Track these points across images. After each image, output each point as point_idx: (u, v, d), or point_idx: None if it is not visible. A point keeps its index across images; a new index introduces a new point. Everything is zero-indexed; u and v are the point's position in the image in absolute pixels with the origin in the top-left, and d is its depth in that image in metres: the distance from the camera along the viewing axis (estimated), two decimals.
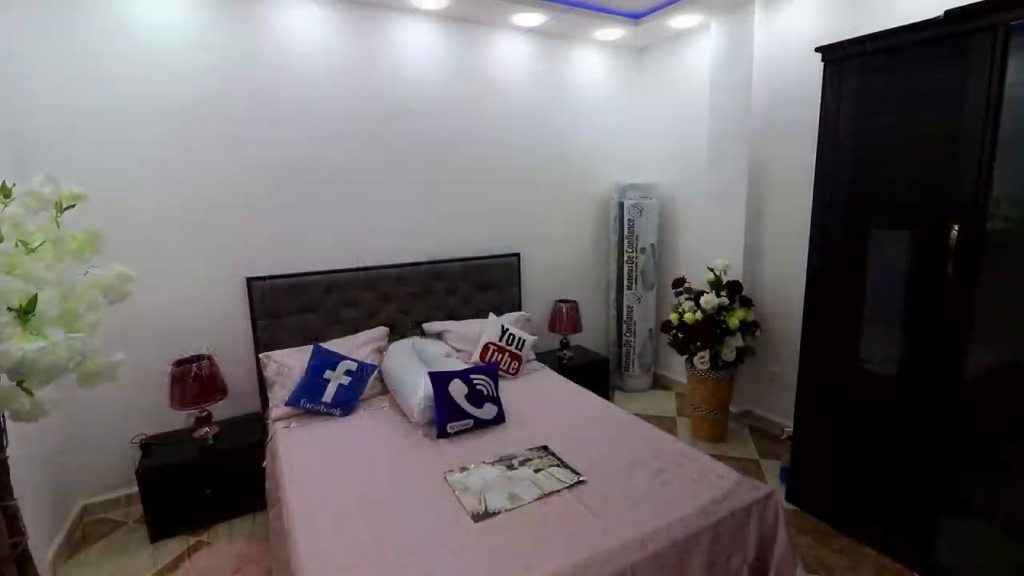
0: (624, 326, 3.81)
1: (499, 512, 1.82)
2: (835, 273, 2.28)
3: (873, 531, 2.25)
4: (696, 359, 2.97)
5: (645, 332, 3.81)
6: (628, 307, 3.77)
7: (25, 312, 1.12)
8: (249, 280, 2.75)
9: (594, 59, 3.75)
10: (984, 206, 1.84)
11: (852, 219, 2.21)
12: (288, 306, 2.83)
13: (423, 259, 3.25)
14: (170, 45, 2.50)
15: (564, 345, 3.61)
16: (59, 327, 1.15)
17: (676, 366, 3.94)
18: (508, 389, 2.83)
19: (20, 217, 1.26)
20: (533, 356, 3.38)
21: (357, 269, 3.01)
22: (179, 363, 2.49)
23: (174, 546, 2.36)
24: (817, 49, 2.23)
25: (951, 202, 1.91)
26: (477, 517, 1.80)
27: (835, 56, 2.18)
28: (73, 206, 1.36)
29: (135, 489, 2.57)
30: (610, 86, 3.85)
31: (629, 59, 3.91)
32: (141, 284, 2.52)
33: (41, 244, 1.30)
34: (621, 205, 3.67)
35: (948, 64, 1.90)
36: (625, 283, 3.75)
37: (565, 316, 3.53)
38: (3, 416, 1.34)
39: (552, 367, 3.28)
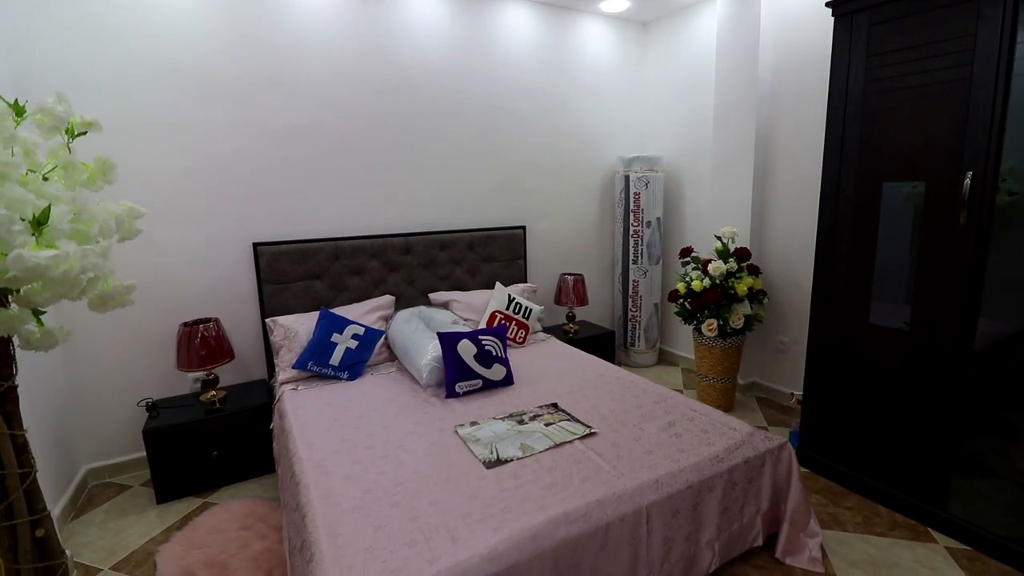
0: (629, 301, 3.80)
1: (511, 460, 1.81)
2: (846, 229, 2.27)
3: (885, 490, 2.24)
4: (704, 326, 2.96)
5: (651, 307, 3.79)
6: (634, 281, 3.76)
7: (38, 223, 1.11)
8: (255, 245, 2.74)
9: (599, 32, 3.74)
10: (998, 155, 1.83)
11: (863, 173, 2.19)
12: (294, 272, 2.82)
13: (429, 229, 3.24)
14: (178, 10, 2.48)
15: (570, 318, 3.59)
16: (72, 241, 1.14)
17: (682, 341, 3.93)
18: (515, 357, 2.82)
19: (32, 146, 1.24)
20: (540, 327, 3.37)
21: (363, 237, 2.99)
22: (186, 324, 2.47)
23: (181, 507, 2.34)
24: (827, 4, 2.23)
25: (963, 152, 1.91)
26: (489, 464, 1.78)
27: (846, 9, 2.17)
28: (85, 133, 1.35)
29: (140, 454, 2.58)
30: (615, 59, 3.84)
31: (634, 32, 3.90)
32: (147, 248, 2.54)
33: (52, 169, 1.28)
34: (627, 178, 3.66)
35: (960, 13, 1.89)
36: (631, 257, 3.74)
37: (571, 288, 3.52)
38: (12, 344, 1.32)
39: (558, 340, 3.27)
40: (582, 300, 3.55)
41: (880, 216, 2.17)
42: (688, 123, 3.67)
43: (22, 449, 1.34)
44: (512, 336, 3.05)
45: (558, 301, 3.60)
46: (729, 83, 3.17)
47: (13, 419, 1.32)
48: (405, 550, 1.38)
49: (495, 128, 3.41)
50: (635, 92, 3.95)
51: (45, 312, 1.32)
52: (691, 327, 3.18)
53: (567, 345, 3.12)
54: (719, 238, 3.05)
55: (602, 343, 3.52)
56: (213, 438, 2.43)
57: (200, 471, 2.43)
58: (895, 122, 2.10)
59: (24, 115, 1.23)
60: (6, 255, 1.05)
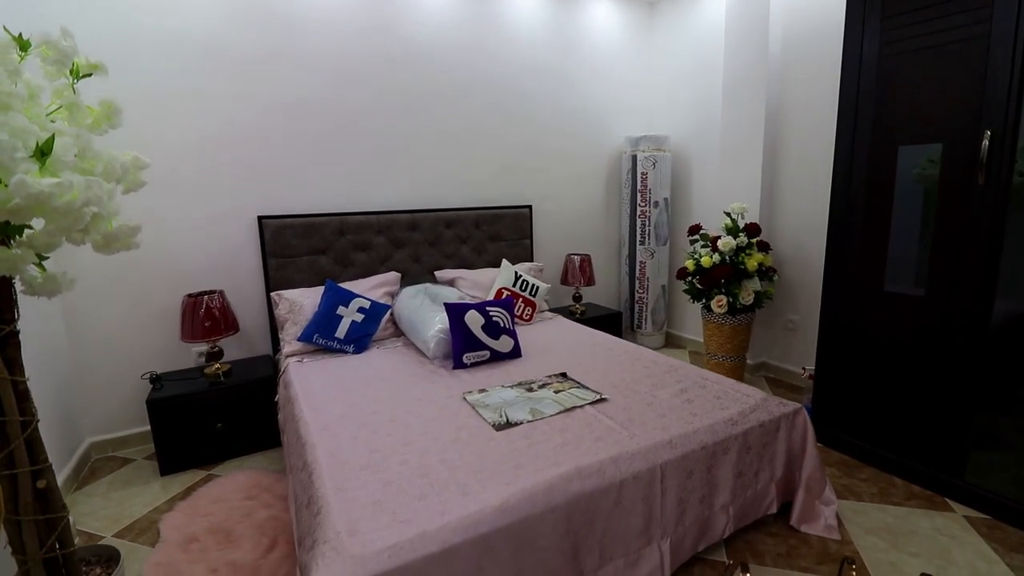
0: (636, 282, 3.76)
1: (521, 423, 1.77)
2: (860, 194, 2.23)
3: (900, 462, 2.20)
4: (713, 303, 2.92)
5: (658, 288, 3.76)
6: (640, 263, 3.73)
7: (42, 153, 1.08)
8: (260, 219, 2.71)
9: (606, 10, 3.70)
10: (1017, 113, 1.79)
11: (878, 138, 2.16)
12: (300, 247, 2.79)
13: (435, 206, 3.21)
14: None
15: (576, 299, 3.56)
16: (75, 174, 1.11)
17: (689, 324, 3.89)
18: (522, 334, 2.78)
19: (36, 89, 1.21)
20: (546, 306, 3.34)
21: (369, 213, 2.96)
22: (190, 295, 2.45)
23: (185, 479, 2.31)
24: None
25: (981, 111, 1.87)
26: (499, 427, 1.75)
27: None
28: (90, 75, 1.32)
29: (144, 428, 2.55)
30: (622, 37, 3.80)
31: (641, 9, 3.86)
32: (151, 220, 2.51)
33: (57, 110, 1.26)
34: (634, 158, 3.62)
35: None
36: (638, 238, 3.71)
37: (578, 267, 3.48)
38: (14, 289, 1.30)
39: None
40: (589, 280, 3.52)
41: (896, 181, 2.13)
42: (696, 102, 3.64)
43: (23, 397, 1.32)
44: (519, 313, 3.02)
45: (564, 281, 3.57)
46: (738, 59, 3.13)
47: (15, 365, 1.30)
48: (415, 503, 1.35)
49: (501, 106, 3.38)
50: (642, 71, 3.91)
51: (48, 257, 1.30)
52: (699, 306, 3.14)
53: (574, 323, 3.09)
54: (728, 214, 3.01)
55: (609, 324, 3.48)
56: (217, 410, 2.40)
57: (204, 443, 2.40)
58: (911, 84, 2.06)
59: (28, 49, 1.21)
60: (8, 186, 1.03)
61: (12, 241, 1.23)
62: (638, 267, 3.74)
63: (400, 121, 3.06)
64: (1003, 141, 1.81)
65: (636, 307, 3.79)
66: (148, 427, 2.48)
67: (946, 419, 2.04)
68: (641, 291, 3.75)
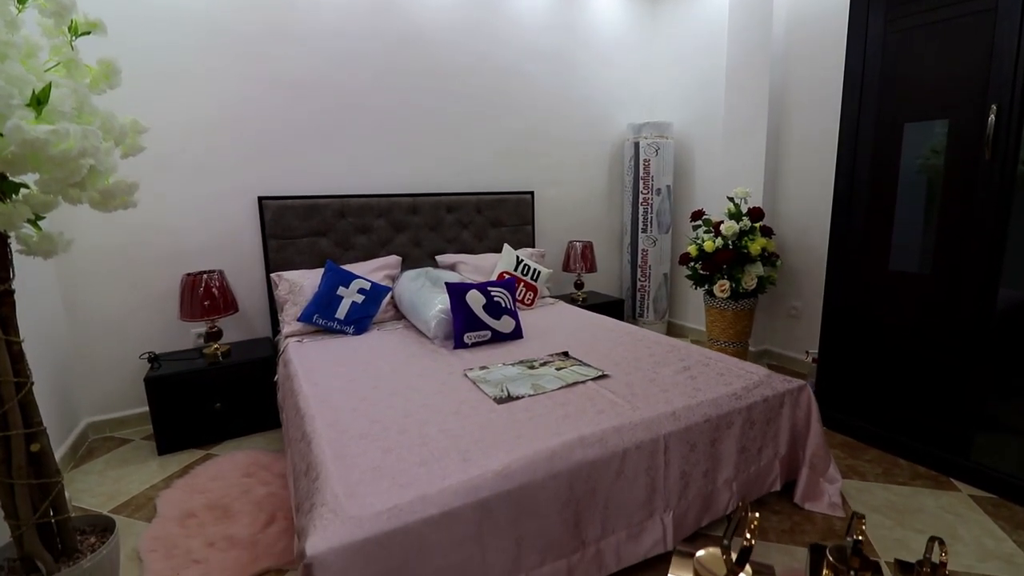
0: (638, 271, 3.74)
1: (522, 397, 1.75)
2: (865, 173, 2.21)
3: (905, 442, 2.17)
4: (716, 287, 2.90)
5: (660, 276, 3.74)
6: (643, 250, 3.71)
7: (38, 102, 1.06)
8: (261, 199, 2.69)
9: None
10: None
11: (883, 115, 2.14)
12: (300, 228, 2.77)
13: (436, 190, 3.19)
14: None
15: (578, 286, 3.54)
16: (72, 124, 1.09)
17: (691, 312, 3.87)
18: (524, 318, 2.76)
19: (34, 47, 1.20)
20: (548, 292, 3.32)
21: (370, 196, 2.95)
22: (190, 274, 2.43)
23: (183, 458, 2.29)
24: None
25: (988, 86, 1.85)
26: (500, 400, 1.73)
27: None
28: (89, 32, 1.31)
29: (142, 409, 2.53)
30: (625, 23, 3.78)
31: None
32: (150, 199, 2.50)
33: (56, 66, 1.24)
34: (636, 145, 3.61)
35: None
36: (640, 226, 3.69)
37: (580, 254, 3.46)
38: (10, 248, 1.28)
39: None
40: (591, 266, 3.50)
41: (902, 158, 2.11)
42: (699, 89, 3.62)
43: (18, 358, 1.30)
44: (520, 298, 3.00)
45: (566, 268, 3.55)
46: (741, 41, 3.12)
47: (9, 325, 1.28)
48: (415, 468, 1.33)
49: (503, 91, 3.36)
50: (645, 57, 3.89)
51: (44, 217, 1.28)
52: (702, 293, 3.12)
53: (576, 308, 3.07)
54: (731, 199, 2.99)
55: (611, 311, 3.44)
56: (216, 389, 2.38)
57: (202, 423, 2.38)
58: (916, 60, 2.04)
59: (26, 1, 1.19)
60: (3, 133, 1.01)
61: (8, 200, 1.21)
62: (640, 255, 3.72)
63: (401, 104, 3.04)
64: (1010, 115, 1.80)
65: (638, 295, 3.77)
66: (146, 408, 2.46)
67: (951, 399, 2.02)
68: (643, 279, 3.73)
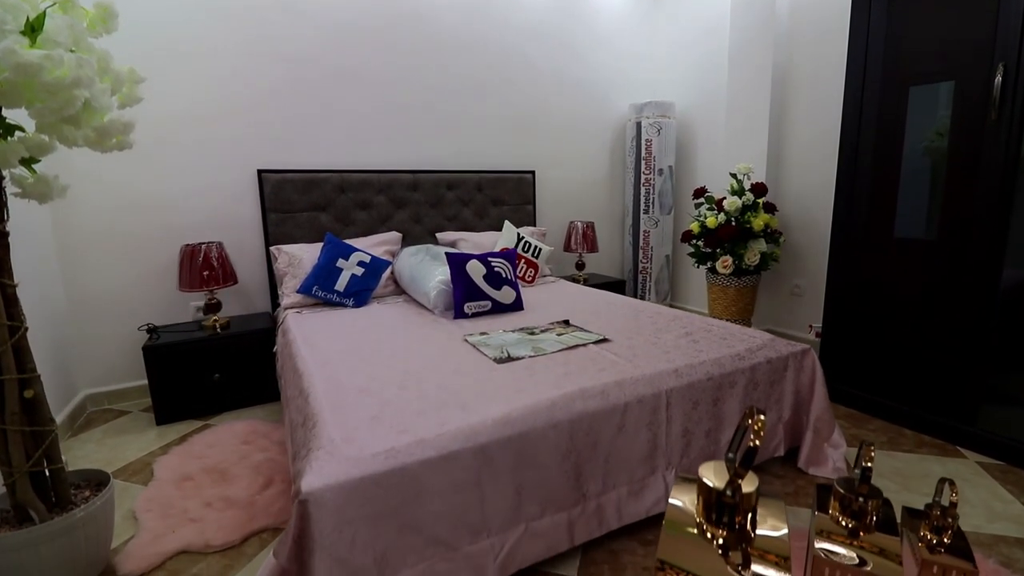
0: (640, 252, 3.72)
1: (523, 358, 1.73)
2: (871, 138, 2.19)
3: (911, 412, 2.15)
4: (719, 263, 2.88)
5: (662, 258, 3.71)
6: (644, 232, 3.68)
7: (32, 29, 1.05)
8: (260, 172, 2.68)
9: None
10: None
11: (888, 79, 2.12)
12: (300, 202, 2.76)
13: (437, 167, 3.17)
14: None
15: (579, 267, 3.52)
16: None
17: (693, 295, 3.84)
18: (525, 294, 2.73)
19: None
20: (548, 271, 3.30)
21: (370, 171, 2.93)
22: (189, 245, 2.41)
23: (181, 428, 2.28)
24: None
25: (995, 45, 1.83)
26: (500, 360, 1.71)
27: None
28: None
29: (141, 382, 2.52)
30: (629, 5, 3.75)
31: None
32: (149, 171, 2.49)
33: (52, 4, 1.23)
34: (638, 125, 3.58)
35: None
36: (641, 207, 3.66)
37: (581, 233, 3.44)
38: (4, 190, 1.27)
39: None
40: (592, 246, 3.48)
41: (907, 123, 2.09)
42: (702, 69, 3.60)
43: (12, 301, 1.29)
44: (521, 274, 2.98)
45: (567, 247, 3.53)
46: (746, 20, 3.09)
47: (3, 267, 1.26)
48: (413, 417, 1.31)
49: (504, 69, 3.35)
50: (647, 37, 3.87)
51: (39, 161, 1.27)
52: (704, 272, 3.10)
53: (578, 285, 3.05)
54: (734, 175, 2.97)
55: (612, 291, 3.43)
56: (215, 360, 2.36)
57: (201, 395, 2.36)
58: (922, 21, 2.02)
59: None
60: None
61: (2, 139, 1.20)
62: (641, 236, 3.70)
63: (402, 80, 3.03)
64: (1017, 74, 1.77)
65: (639, 277, 3.75)
66: (145, 381, 2.45)
67: (958, 368, 1.99)
68: (645, 261, 3.71)
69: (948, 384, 2.03)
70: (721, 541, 0.72)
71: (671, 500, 0.81)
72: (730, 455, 0.75)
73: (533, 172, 3.48)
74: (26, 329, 1.31)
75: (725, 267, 2.86)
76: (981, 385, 1.95)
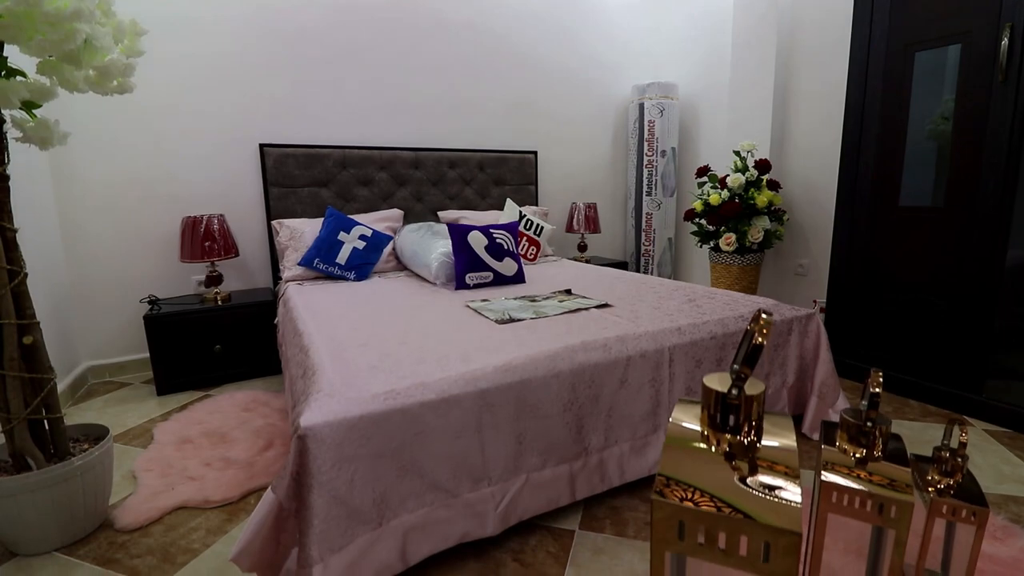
0: (643, 235, 3.70)
1: (524, 319, 1.72)
2: (876, 107, 2.17)
3: (916, 384, 2.13)
4: (722, 240, 2.86)
5: (664, 241, 3.69)
6: (647, 214, 3.67)
7: None
8: (262, 146, 2.68)
9: None
10: None
11: (893, 45, 2.10)
12: (301, 177, 2.75)
13: (439, 146, 3.16)
14: None
15: (581, 248, 3.50)
16: None
17: (696, 277, 3.82)
18: (527, 271, 2.72)
19: None
20: (551, 251, 3.29)
21: (372, 148, 2.92)
22: (191, 217, 2.41)
23: (182, 398, 2.27)
24: None
25: (1001, 5, 1.81)
26: (502, 322, 1.70)
27: None
28: None
29: (142, 355, 2.52)
30: None
31: None
32: (150, 143, 2.48)
33: None
34: (641, 106, 3.57)
35: None
36: (644, 189, 3.65)
37: (583, 214, 3.43)
38: (5, 134, 1.26)
39: None
40: (595, 227, 3.47)
41: (912, 91, 2.07)
42: (705, 51, 3.58)
43: (12, 246, 1.28)
44: (523, 252, 2.97)
45: (569, 228, 3.52)
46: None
47: (3, 211, 1.26)
48: (413, 366, 1.29)
49: (507, 48, 3.34)
50: (651, 19, 3.85)
51: (40, 106, 1.26)
52: (707, 250, 3.08)
53: (580, 264, 3.03)
54: (737, 153, 2.95)
55: None
56: (216, 331, 2.36)
57: (202, 365, 2.36)
58: None
59: None
60: None
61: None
62: (644, 219, 3.68)
63: (404, 57, 3.02)
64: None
65: (642, 260, 3.73)
66: (146, 354, 2.46)
67: (964, 338, 1.97)
68: (647, 243, 3.69)
69: (953, 355, 2.01)
70: (727, 449, 0.71)
71: (672, 419, 0.80)
72: (735, 366, 0.73)
73: (535, 153, 3.47)
74: (26, 275, 1.30)
75: (728, 244, 2.84)
76: (988, 354, 1.93)
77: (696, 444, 0.74)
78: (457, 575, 1.20)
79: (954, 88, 1.96)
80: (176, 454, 1.75)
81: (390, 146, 3.00)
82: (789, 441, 0.74)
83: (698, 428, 0.76)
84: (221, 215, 2.48)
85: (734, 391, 0.69)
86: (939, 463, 1.14)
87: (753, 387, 0.71)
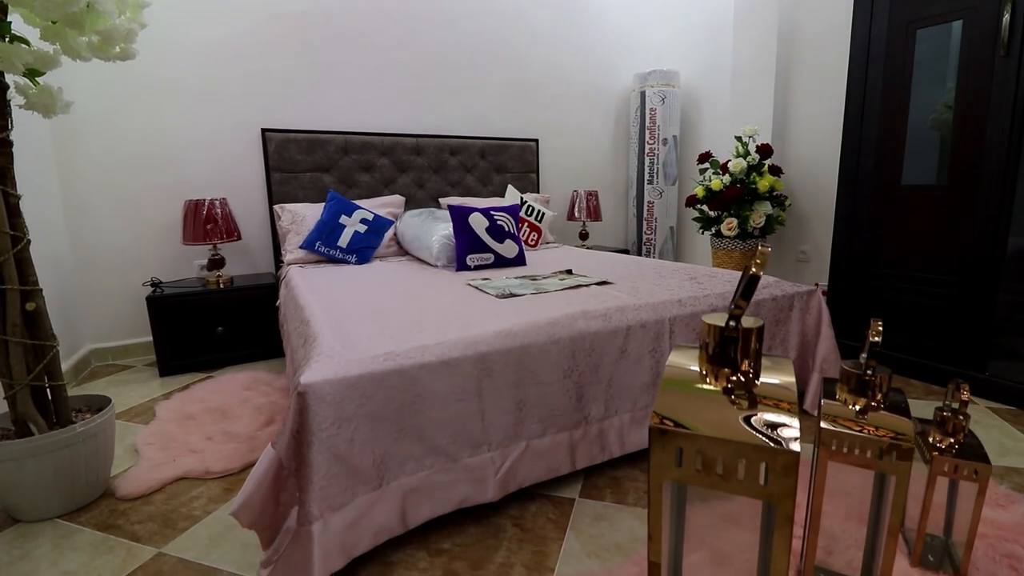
0: (644, 223, 3.70)
1: (524, 295, 1.72)
2: (878, 85, 2.17)
3: (918, 364, 2.12)
4: (724, 226, 2.85)
5: (666, 230, 3.69)
6: (648, 203, 3.66)
7: None
8: (264, 131, 2.69)
9: None
10: None
11: (894, 21, 2.09)
12: (303, 162, 2.76)
13: (440, 132, 3.17)
14: None
15: (583, 236, 3.50)
16: None
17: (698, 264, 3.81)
18: (528, 257, 2.72)
19: None
20: (552, 238, 3.29)
21: (373, 133, 2.93)
22: (193, 200, 2.42)
23: (184, 379, 2.28)
24: None
25: None
26: (503, 297, 1.70)
27: None
28: None
29: (145, 339, 2.53)
30: None
31: None
32: (153, 125, 2.49)
33: None
34: (643, 94, 3.57)
35: None
36: (645, 177, 3.64)
37: (585, 201, 3.43)
38: (8, 100, 1.27)
39: None
40: (596, 215, 3.47)
41: (914, 69, 2.06)
42: (707, 40, 3.58)
43: (15, 212, 1.29)
44: (524, 238, 2.97)
45: (571, 216, 3.52)
46: None
47: (6, 176, 1.27)
48: (412, 333, 1.30)
49: (508, 35, 3.34)
50: (652, 6, 3.84)
51: (44, 73, 1.27)
52: (709, 237, 3.07)
53: (581, 249, 3.03)
54: (739, 138, 2.95)
55: None
56: (219, 314, 2.37)
57: (204, 347, 2.37)
58: None
59: None
60: None
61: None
62: (646, 207, 3.68)
63: (405, 43, 3.02)
64: None
65: (644, 249, 3.73)
66: (149, 338, 2.47)
67: (966, 317, 1.96)
68: (648, 232, 3.69)
69: (957, 337, 2.00)
70: (726, 384, 0.71)
71: (669, 362, 0.80)
72: (732, 306, 0.73)
73: (536, 140, 3.47)
74: (29, 241, 1.31)
75: (730, 229, 2.83)
76: (990, 339, 1.92)
77: (694, 384, 0.74)
78: (457, 539, 1.20)
79: (956, 69, 1.95)
80: (177, 429, 1.76)
81: (392, 132, 3.01)
82: (788, 378, 0.73)
83: (696, 367, 0.76)
84: (223, 199, 2.49)
85: (731, 323, 0.69)
86: (941, 424, 1.14)
87: (751, 321, 0.71)
